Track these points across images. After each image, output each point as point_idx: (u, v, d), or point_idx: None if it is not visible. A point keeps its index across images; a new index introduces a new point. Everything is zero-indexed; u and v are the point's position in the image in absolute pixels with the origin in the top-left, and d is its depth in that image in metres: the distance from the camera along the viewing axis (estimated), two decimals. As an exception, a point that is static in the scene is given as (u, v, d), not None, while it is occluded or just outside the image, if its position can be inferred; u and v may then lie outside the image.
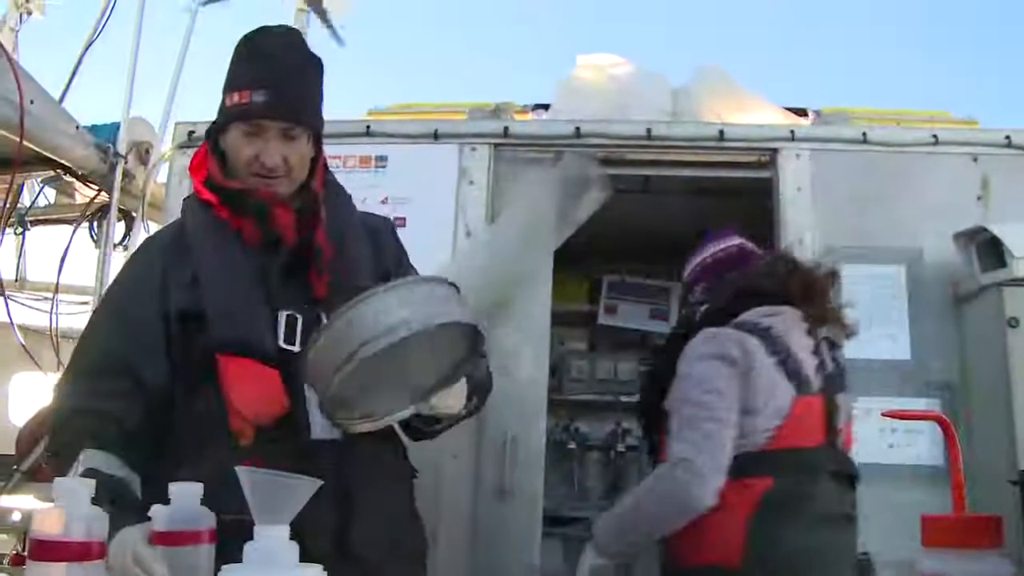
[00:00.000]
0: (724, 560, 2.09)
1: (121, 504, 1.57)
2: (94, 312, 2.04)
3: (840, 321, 2.31)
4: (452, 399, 1.81)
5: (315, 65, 1.99)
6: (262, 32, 1.99)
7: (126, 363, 1.81)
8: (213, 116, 1.99)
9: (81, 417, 1.77)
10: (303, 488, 1.43)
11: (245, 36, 1.96)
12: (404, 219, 3.19)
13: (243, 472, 1.41)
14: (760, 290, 2.29)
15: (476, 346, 1.74)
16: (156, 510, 1.41)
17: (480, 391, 1.95)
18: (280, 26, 2.12)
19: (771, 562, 2.07)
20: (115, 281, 2.05)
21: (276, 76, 1.88)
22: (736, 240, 2.46)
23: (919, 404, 3.08)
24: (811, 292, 2.27)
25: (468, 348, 1.75)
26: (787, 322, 2.22)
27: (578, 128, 3.44)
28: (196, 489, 1.41)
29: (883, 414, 1.13)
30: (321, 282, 1.86)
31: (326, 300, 1.82)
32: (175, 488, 1.41)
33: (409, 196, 3.31)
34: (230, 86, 1.91)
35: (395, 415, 1.77)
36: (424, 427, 1.89)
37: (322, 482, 1.41)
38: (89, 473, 1.65)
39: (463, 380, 1.82)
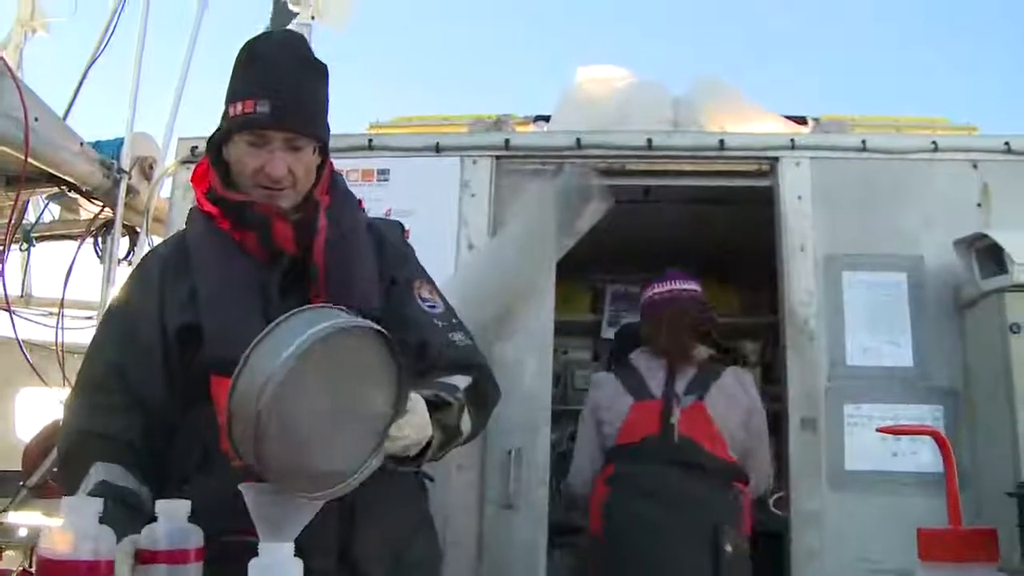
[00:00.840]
0: (594, 528, 3.06)
1: (132, 513, 1.58)
2: (98, 327, 2.02)
3: (684, 354, 3.19)
4: (409, 428, 1.61)
5: (320, 71, 1.93)
6: (265, 38, 1.94)
7: (126, 378, 1.80)
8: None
9: (86, 435, 1.78)
10: (307, 504, 1.43)
11: (247, 42, 1.91)
12: (407, 232, 3.20)
13: (247, 489, 1.42)
14: (638, 336, 3.38)
15: (393, 355, 1.52)
16: (145, 530, 1.39)
17: (479, 408, 1.92)
18: (283, 31, 2.06)
19: (612, 527, 2.99)
20: (116, 295, 2.04)
21: (280, 85, 1.82)
22: (667, 286, 3.34)
23: (922, 411, 3.08)
24: (658, 336, 3.25)
25: (394, 365, 1.54)
26: (646, 357, 3.26)
27: (579, 139, 3.45)
28: (183, 506, 1.40)
29: (879, 430, 1.13)
30: (318, 295, 1.83)
31: None
32: (162, 505, 1.38)
33: (411, 209, 3.31)
34: (233, 95, 1.86)
35: (368, 466, 1.54)
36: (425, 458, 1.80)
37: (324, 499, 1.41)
38: (100, 485, 1.65)
39: (419, 408, 1.65)
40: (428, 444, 1.72)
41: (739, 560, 2.90)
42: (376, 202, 3.28)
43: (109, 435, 1.76)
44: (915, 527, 0.97)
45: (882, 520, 2.99)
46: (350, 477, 1.51)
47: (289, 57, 1.89)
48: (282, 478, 1.42)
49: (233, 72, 1.90)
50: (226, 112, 1.87)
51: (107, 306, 2.03)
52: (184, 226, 2.03)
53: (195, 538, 1.37)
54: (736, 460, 3.05)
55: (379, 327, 1.50)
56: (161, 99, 4.19)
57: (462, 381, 1.89)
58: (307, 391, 1.40)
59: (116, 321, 1.93)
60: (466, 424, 1.87)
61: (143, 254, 2.22)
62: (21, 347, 3.90)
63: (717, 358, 3.28)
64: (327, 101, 1.95)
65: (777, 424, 3.24)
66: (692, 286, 3.33)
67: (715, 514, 2.91)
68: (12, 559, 3.60)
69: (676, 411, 3.06)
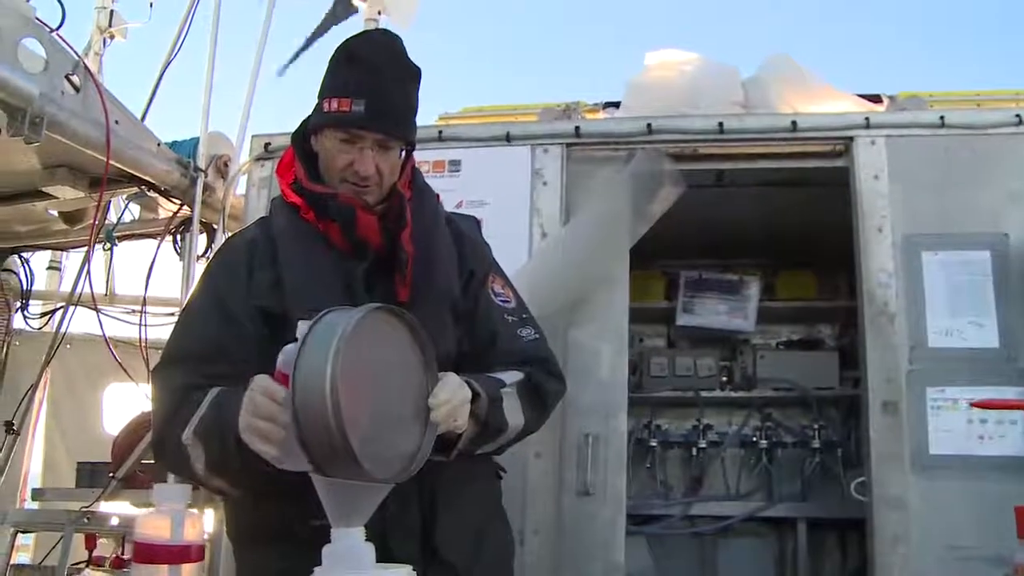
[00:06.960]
0: None
1: None
2: (189, 301, 2.04)
3: None
4: (444, 393, 1.63)
5: (414, 75, 1.97)
6: (365, 38, 2.01)
7: (225, 350, 1.82)
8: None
9: (192, 390, 1.77)
10: (376, 488, 1.46)
11: (348, 40, 1.96)
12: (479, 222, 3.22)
13: (317, 475, 1.44)
14: None
15: (414, 331, 1.61)
16: (285, 350, 1.49)
17: (534, 402, 1.94)
18: (382, 31, 2.12)
19: None
20: (206, 273, 2.06)
21: (377, 87, 1.87)
22: None
23: (1009, 393, 2.98)
24: None
25: (418, 342, 1.62)
26: None
27: (649, 125, 3.42)
28: None
29: (973, 404, 1.11)
30: (404, 286, 1.87)
31: (409, 303, 1.83)
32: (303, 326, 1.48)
33: (483, 199, 3.33)
34: (330, 91, 1.90)
35: (427, 443, 1.59)
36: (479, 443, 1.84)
37: (393, 484, 1.43)
38: (218, 396, 1.69)
39: (450, 376, 1.69)
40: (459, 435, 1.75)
41: None
42: (448, 193, 3.28)
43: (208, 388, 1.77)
44: (1003, 512, 0.94)
45: (971, 506, 2.92)
46: (414, 458, 1.55)
47: (388, 60, 1.93)
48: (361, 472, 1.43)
49: (330, 67, 1.95)
50: (320, 106, 1.92)
51: (195, 287, 2.05)
52: (265, 215, 2.08)
53: None
54: None
55: (394, 306, 1.59)
56: (234, 98, 4.25)
57: (512, 376, 1.91)
58: (359, 384, 1.45)
59: (209, 295, 1.94)
60: (515, 417, 1.88)
61: (228, 238, 2.26)
62: (108, 344, 4.00)
63: None
64: (417, 103, 1.99)
65: (856, 408, 3.18)
66: None
67: None
68: (105, 547, 3.72)
69: None
